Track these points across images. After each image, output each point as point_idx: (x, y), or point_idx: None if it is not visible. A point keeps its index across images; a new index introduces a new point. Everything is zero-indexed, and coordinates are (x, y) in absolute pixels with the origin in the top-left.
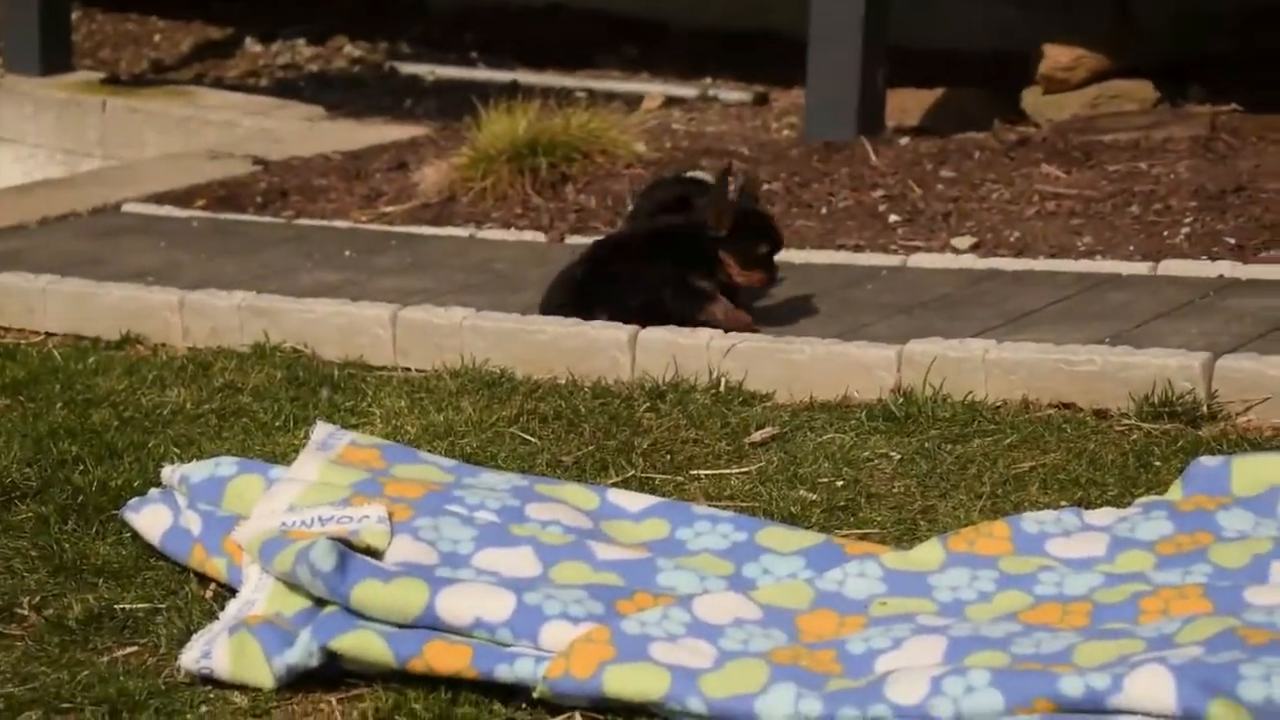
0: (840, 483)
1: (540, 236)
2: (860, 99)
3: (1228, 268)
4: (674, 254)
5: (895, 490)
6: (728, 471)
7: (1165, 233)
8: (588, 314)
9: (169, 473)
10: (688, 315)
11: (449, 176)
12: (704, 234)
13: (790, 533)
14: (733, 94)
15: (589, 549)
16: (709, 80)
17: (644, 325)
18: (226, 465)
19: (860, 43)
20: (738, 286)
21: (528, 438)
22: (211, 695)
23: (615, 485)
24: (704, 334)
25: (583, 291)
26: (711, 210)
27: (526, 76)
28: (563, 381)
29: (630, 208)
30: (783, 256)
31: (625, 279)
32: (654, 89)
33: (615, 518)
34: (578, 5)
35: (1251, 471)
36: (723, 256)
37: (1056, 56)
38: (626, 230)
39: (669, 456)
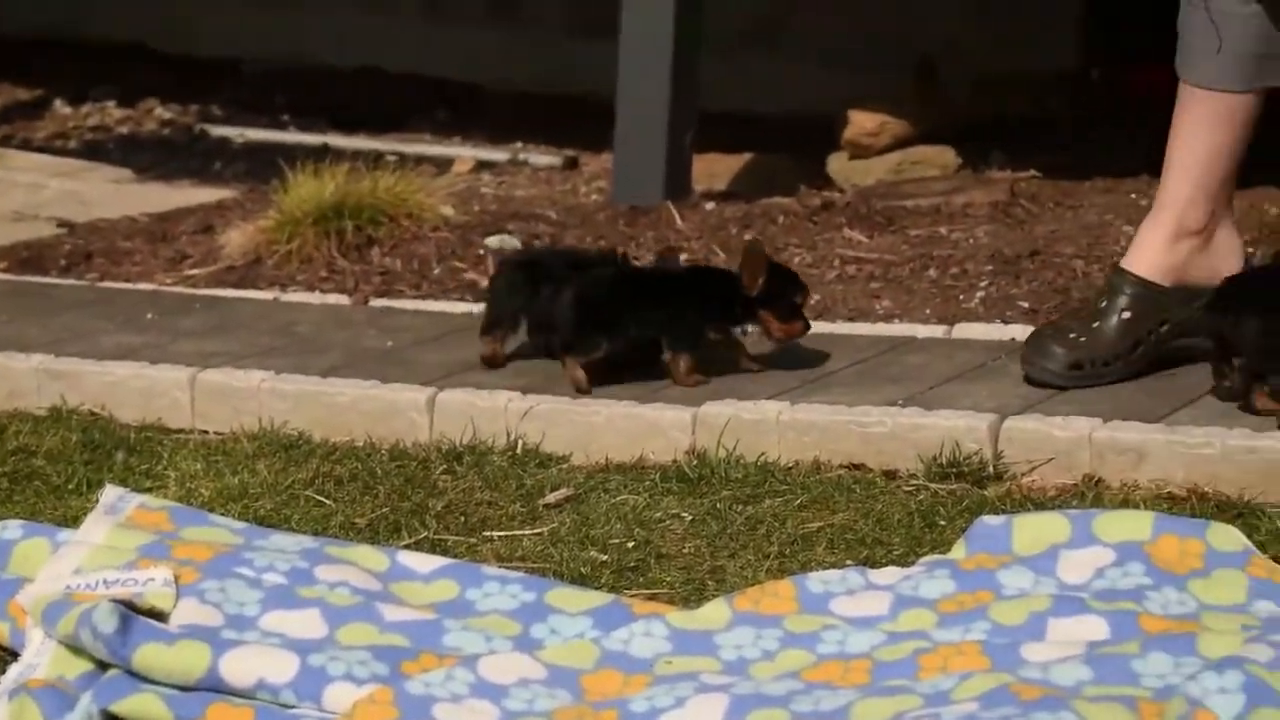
0: (631, 543)
1: (345, 299)
2: (667, 163)
3: (1019, 331)
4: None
5: (685, 550)
6: (521, 533)
7: (961, 297)
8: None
9: None
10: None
11: (255, 239)
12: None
13: (579, 593)
14: (543, 158)
15: (376, 610)
16: (520, 144)
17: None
18: (12, 529)
19: (667, 107)
20: (779, 341)
21: (322, 500)
22: None
23: (407, 547)
24: (502, 396)
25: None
26: (746, 271)
27: (337, 139)
28: (361, 444)
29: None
30: None
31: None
32: (465, 152)
33: (405, 579)
34: (393, 68)
35: (1032, 531)
36: (762, 315)
37: (861, 122)
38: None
39: (463, 518)
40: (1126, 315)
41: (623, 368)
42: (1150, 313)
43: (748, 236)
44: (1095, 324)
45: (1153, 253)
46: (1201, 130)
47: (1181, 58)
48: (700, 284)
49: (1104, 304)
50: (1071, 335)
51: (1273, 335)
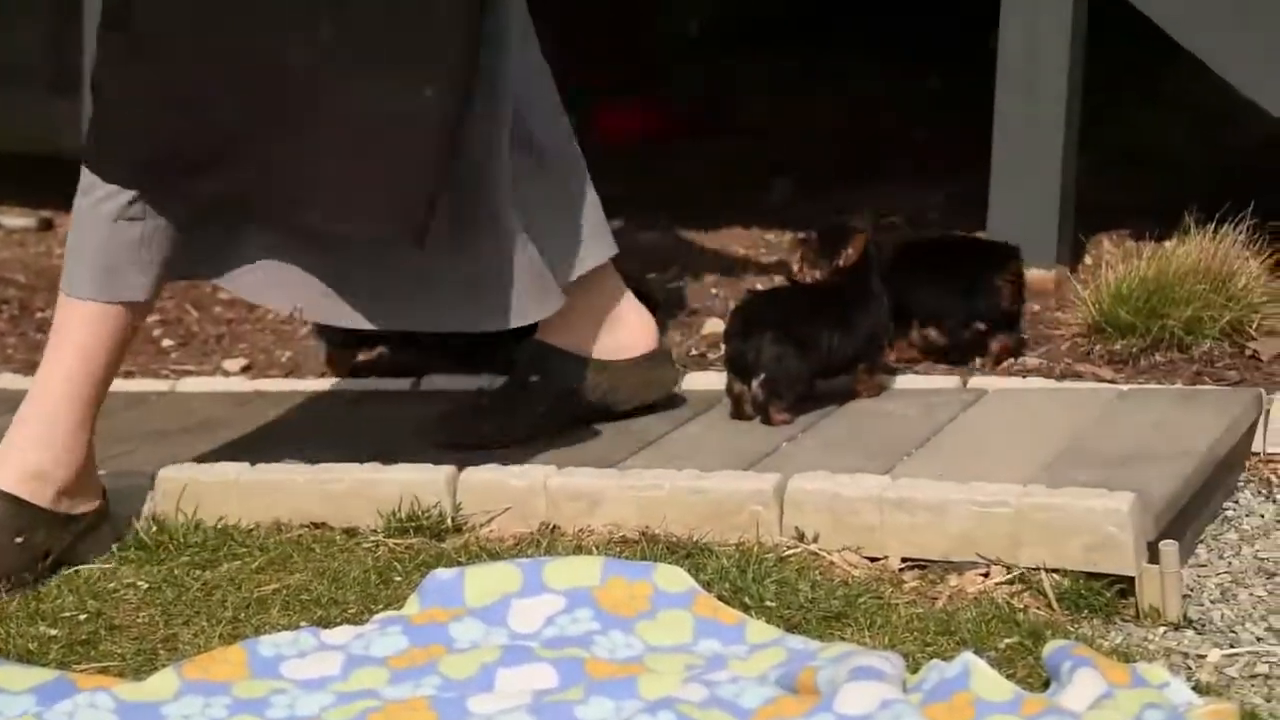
0: (84, 615)
1: None
2: None
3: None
4: None
5: (140, 620)
6: None
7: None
8: None
9: None
10: None
11: None
12: None
13: (22, 670)
14: (17, 220)
15: None
16: None
17: None
18: None
19: None
20: None
21: None
22: None
23: None
24: None
25: None
26: None
27: None
28: None
29: None
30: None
31: None
32: None
33: None
34: None
35: (484, 581)
36: None
37: None
38: None
39: None
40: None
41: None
42: None
43: (223, 294)
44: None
45: None
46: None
47: None
48: None
49: None
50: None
51: (784, 357)
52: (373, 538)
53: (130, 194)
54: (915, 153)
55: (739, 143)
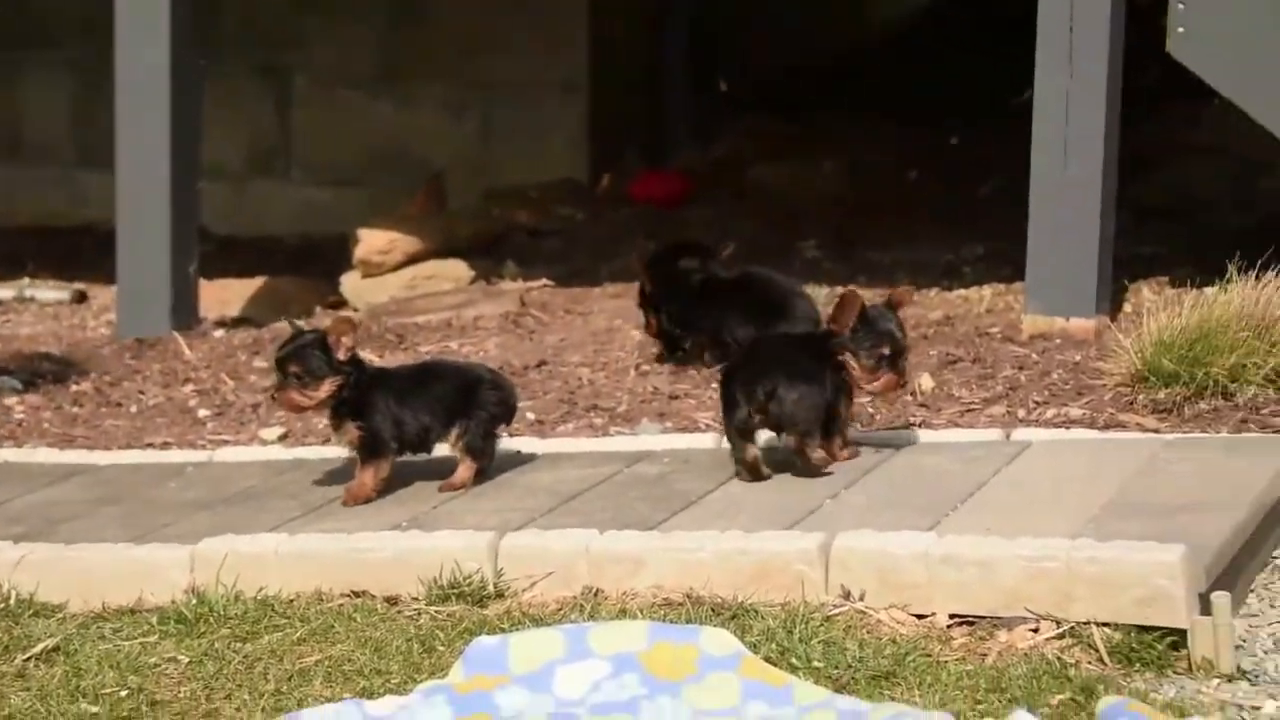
0: (125, 692)
1: None
2: (172, 293)
3: (526, 443)
4: None
5: (181, 695)
6: (9, 689)
7: None
8: None
9: None
10: None
11: None
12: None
13: None
14: (51, 293)
15: None
16: (27, 280)
17: None
18: None
19: (168, 237)
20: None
21: None
22: None
23: None
24: None
25: None
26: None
27: None
28: None
29: None
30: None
31: None
32: None
33: None
34: None
35: (528, 648)
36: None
37: (372, 240)
38: None
39: None
40: None
41: None
42: None
43: (258, 363)
44: None
45: None
46: None
47: None
48: None
49: None
50: None
51: None
52: (414, 605)
53: None
54: (941, 210)
55: (757, 205)
